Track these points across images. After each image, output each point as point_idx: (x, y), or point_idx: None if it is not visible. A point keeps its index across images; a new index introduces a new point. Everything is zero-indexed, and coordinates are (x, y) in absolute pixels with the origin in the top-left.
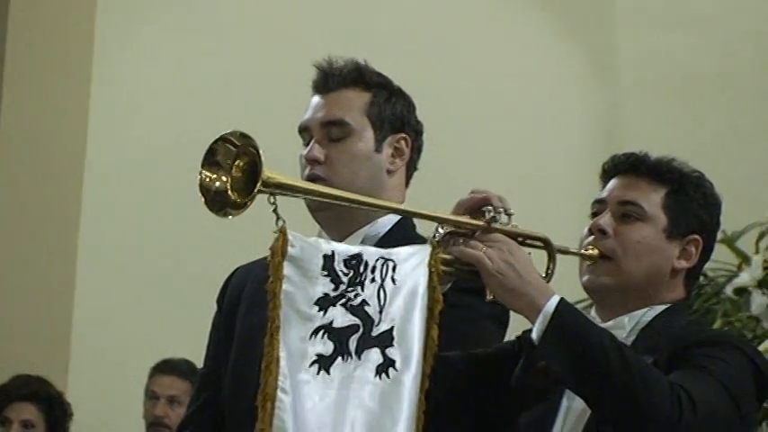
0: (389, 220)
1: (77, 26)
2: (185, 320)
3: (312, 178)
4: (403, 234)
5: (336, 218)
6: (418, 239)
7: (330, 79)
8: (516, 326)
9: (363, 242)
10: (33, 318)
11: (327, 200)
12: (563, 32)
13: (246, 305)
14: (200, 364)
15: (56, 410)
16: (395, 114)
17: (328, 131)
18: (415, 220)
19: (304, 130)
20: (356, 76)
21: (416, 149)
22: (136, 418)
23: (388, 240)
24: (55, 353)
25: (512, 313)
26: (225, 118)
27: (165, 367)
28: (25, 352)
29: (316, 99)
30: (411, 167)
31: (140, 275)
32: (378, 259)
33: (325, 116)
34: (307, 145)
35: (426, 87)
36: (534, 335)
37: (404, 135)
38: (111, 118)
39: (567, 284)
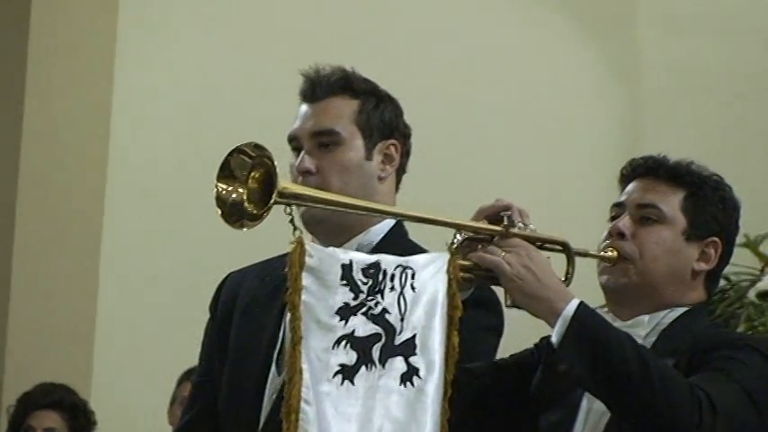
0: (383, 228)
1: (99, 22)
2: None
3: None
4: (396, 241)
5: (331, 229)
6: (411, 246)
7: (317, 88)
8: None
9: (358, 250)
10: (56, 325)
11: (344, 209)
12: (584, 37)
13: (241, 312)
14: None
15: (80, 419)
16: (383, 121)
17: (318, 141)
18: (428, 227)
19: (293, 140)
20: (344, 84)
21: (405, 154)
22: (160, 426)
23: (382, 247)
24: (78, 361)
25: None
26: (248, 117)
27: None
28: (48, 360)
29: (304, 108)
30: (400, 172)
31: (163, 283)
32: (396, 267)
33: (315, 126)
34: (297, 154)
35: (445, 92)
36: (554, 338)
37: (393, 141)
38: (133, 114)
39: (587, 289)
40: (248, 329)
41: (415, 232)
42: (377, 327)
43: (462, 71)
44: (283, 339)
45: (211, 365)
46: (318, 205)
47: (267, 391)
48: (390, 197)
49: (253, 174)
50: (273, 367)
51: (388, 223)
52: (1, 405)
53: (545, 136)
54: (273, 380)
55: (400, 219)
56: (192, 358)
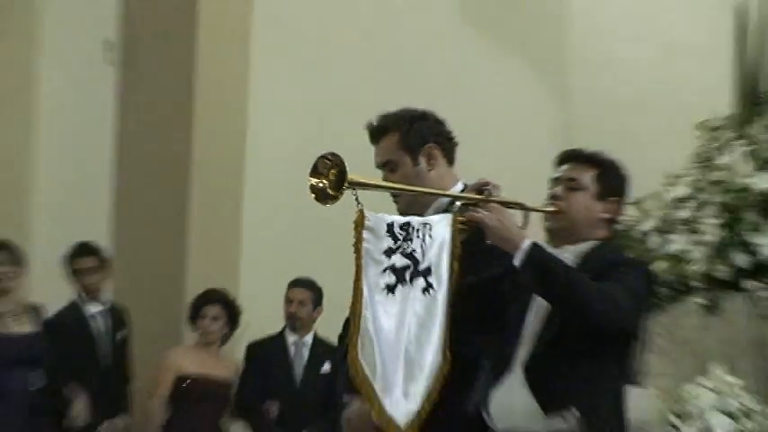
0: (444, 202)
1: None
2: (331, 247)
3: (395, 194)
4: (446, 207)
5: (407, 203)
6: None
7: (372, 135)
8: None
9: (436, 212)
10: (207, 251)
11: (388, 190)
12: (533, 76)
13: None
14: (342, 281)
15: (233, 309)
16: (418, 136)
17: (386, 168)
18: None
19: (378, 168)
20: (384, 126)
21: (444, 141)
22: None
23: (449, 210)
24: (228, 273)
25: None
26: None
27: (296, 283)
28: (209, 271)
29: (374, 149)
30: (449, 151)
31: (298, 208)
32: (420, 224)
33: (379, 161)
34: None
35: (436, 105)
36: (516, 263)
37: (430, 144)
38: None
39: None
40: None
41: None
42: (408, 260)
43: (447, 99)
44: None
45: None
46: (372, 189)
47: None
48: (443, 177)
49: (332, 170)
50: None
51: (446, 199)
52: (183, 302)
53: (508, 143)
54: None
55: (422, 193)
56: (300, 271)
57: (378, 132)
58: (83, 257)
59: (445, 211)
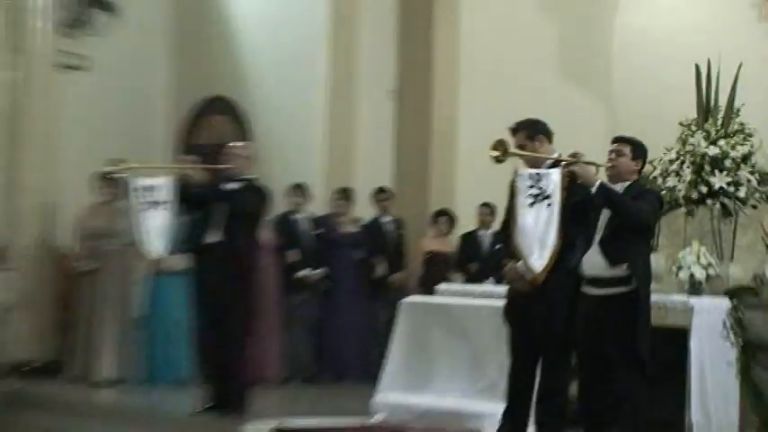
0: (550, 162)
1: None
2: (502, 186)
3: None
4: (555, 164)
5: (531, 162)
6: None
7: (512, 131)
8: None
9: (544, 167)
10: (440, 189)
11: (525, 157)
12: (591, 101)
13: None
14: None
15: (452, 217)
16: (534, 131)
17: (520, 148)
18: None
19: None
20: (517, 128)
21: (547, 132)
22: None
23: (554, 165)
24: (451, 200)
25: None
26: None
27: (484, 204)
28: (440, 200)
29: (514, 138)
30: (549, 137)
31: (486, 165)
32: (544, 173)
33: (516, 144)
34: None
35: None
36: (593, 191)
37: (538, 135)
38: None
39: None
40: None
41: None
42: (539, 191)
43: (547, 111)
44: None
45: None
46: (519, 156)
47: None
48: (548, 150)
49: (500, 146)
50: None
51: (553, 157)
52: (428, 214)
53: (575, 137)
54: None
55: (540, 157)
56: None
57: (515, 130)
58: (382, 193)
59: (553, 166)
